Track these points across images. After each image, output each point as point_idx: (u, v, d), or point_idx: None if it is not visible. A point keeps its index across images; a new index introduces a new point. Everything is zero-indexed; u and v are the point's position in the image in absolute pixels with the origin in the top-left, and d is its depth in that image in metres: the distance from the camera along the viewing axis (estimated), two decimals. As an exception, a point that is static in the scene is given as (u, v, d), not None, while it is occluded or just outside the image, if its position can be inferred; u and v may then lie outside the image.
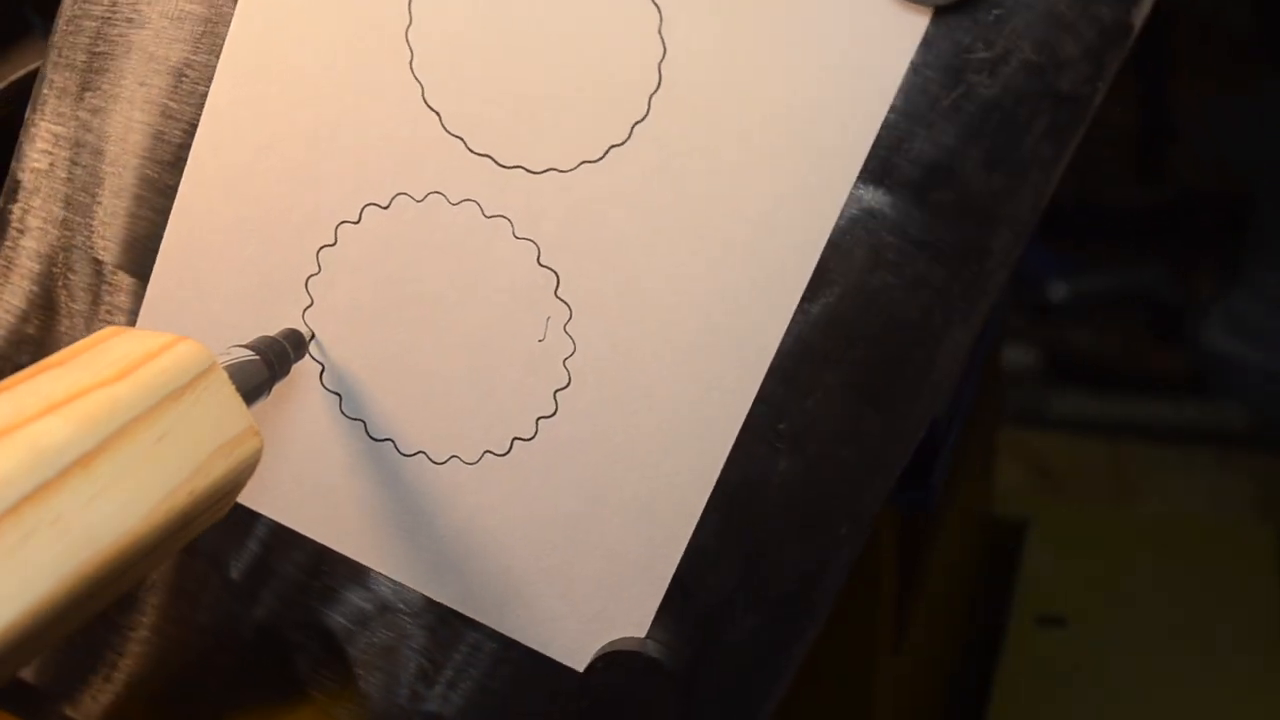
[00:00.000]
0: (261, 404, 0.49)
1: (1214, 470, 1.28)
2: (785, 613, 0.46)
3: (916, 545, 0.74)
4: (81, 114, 0.50)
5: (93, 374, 0.36)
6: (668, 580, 0.47)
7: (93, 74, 0.50)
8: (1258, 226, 1.54)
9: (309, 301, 0.49)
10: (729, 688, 0.47)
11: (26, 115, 0.51)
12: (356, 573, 0.50)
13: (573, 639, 0.48)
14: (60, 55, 0.50)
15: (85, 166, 0.50)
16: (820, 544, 0.45)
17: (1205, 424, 1.38)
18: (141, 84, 0.49)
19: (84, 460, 0.34)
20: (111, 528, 0.34)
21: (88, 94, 0.50)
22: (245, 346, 0.45)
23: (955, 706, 0.94)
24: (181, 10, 0.49)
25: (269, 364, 0.45)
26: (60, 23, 0.50)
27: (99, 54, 0.50)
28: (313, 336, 0.49)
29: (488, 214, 0.47)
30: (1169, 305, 1.57)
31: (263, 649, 0.52)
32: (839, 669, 0.67)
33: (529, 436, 0.48)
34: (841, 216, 0.43)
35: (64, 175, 0.51)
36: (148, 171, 0.50)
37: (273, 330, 0.48)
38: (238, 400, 0.40)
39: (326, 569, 0.50)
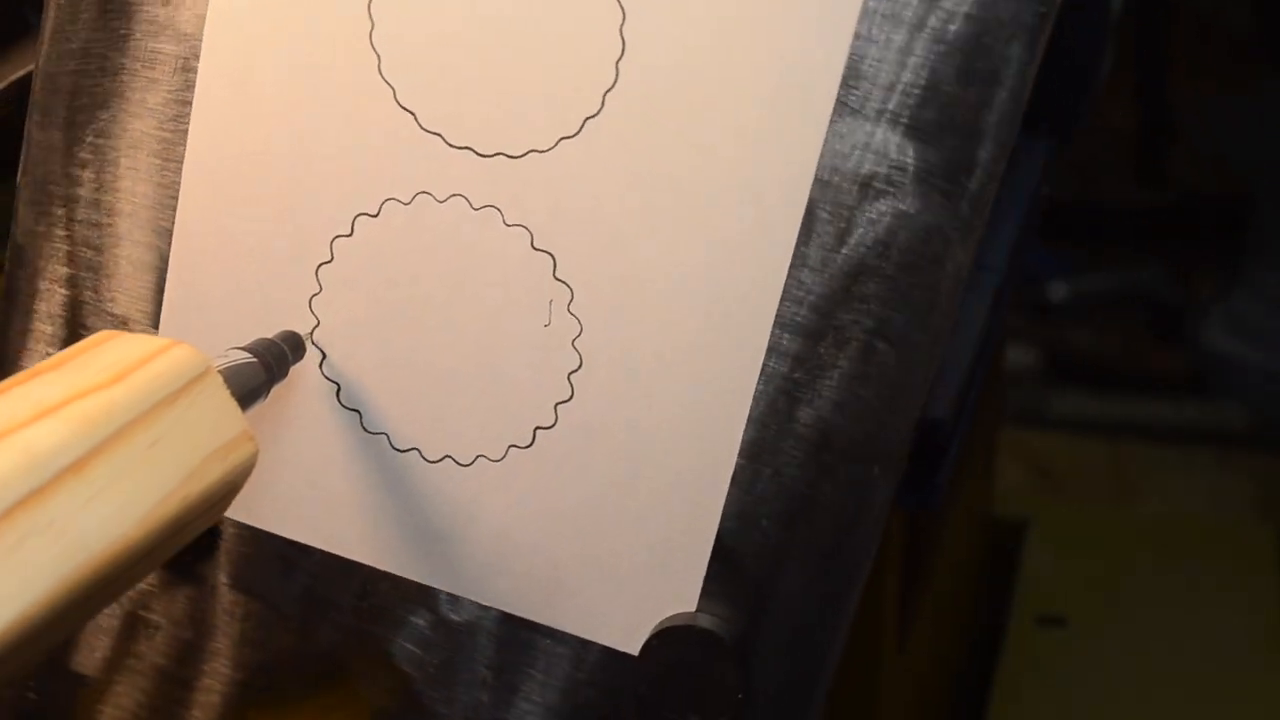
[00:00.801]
0: (279, 426, 0.49)
1: (1214, 470, 1.28)
2: (830, 565, 0.46)
3: (921, 544, 0.74)
4: (72, 170, 0.50)
5: (87, 378, 0.36)
6: (709, 549, 0.47)
7: (76, 128, 0.50)
8: (1257, 226, 1.54)
9: (315, 322, 0.49)
10: (785, 650, 0.47)
11: (18, 179, 0.51)
12: (406, 589, 0.50)
13: (625, 623, 0.48)
14: (42, 114, 0.50)
15: (82, 221, 0.50)
16: (854, 489, 0.45)
17: (1205, 424, 1.38)
18: (125, 130, 0.49)
19: (78, 465, 0.34)
20: (106, 533, 0.33)
21: (75, 148, 0.50)
22: (242, 349, 0.45)
23: (956, 705, 0.94)
24: (152, 51, 0.49)
25: (266, 366, 0.44)
26: (37, 82, 0.50)
27: (79, 107, 0.50)
28: (324, 358, 0.49)
29: (476, 206, 0.47)
30: (1169, 305, 1.57)
31: (327, 681, 0.52)
32: (844, 666, 0.67)
33: (550, 424, 0.47)
34: (824, 154, 0.43)
35: (63, 233, 0.50)
36: (143, 214, 0.50)
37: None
38: (233, 405, 0.40)
39: (373, 590, 0.50)
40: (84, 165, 0.50)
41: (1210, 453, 1.31)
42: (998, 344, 0.88)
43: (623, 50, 0.44)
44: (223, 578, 0.52)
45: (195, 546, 0.51)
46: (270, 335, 0.47)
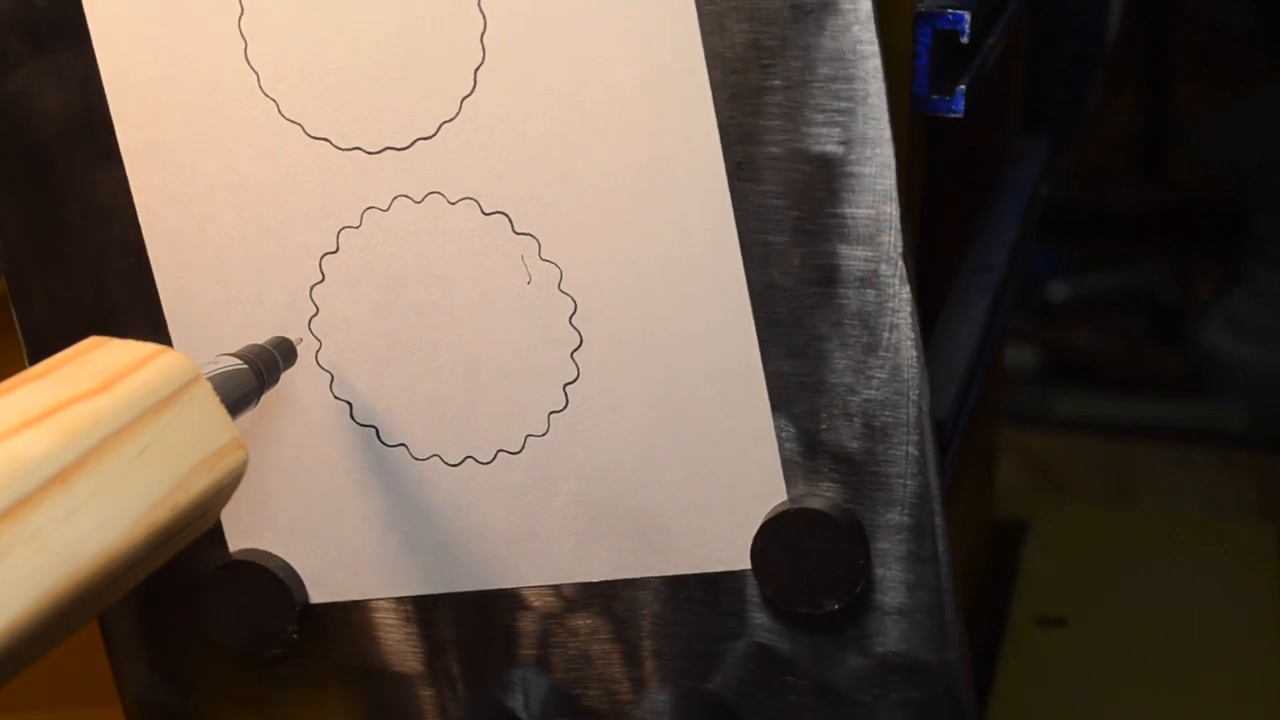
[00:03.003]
0: (339, 493, 0.49)
1: (1214, 470, 1.28)
2: (892, 399, 0.46)
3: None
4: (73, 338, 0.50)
5: (73, 386, 0.36)
6: (773, 433, 0.46)
7: (59, 305, 0.50)
8: (1257, 227, 1.54)
9: (329, 377, 0.49)
10: (889, 500, 0.46)
11: (27, 363, 0.51)
12: (509, 599, 0.50)
13: (732, 542, 0.48)
14: (23, 301, 0.50)
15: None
16: (874, 311, 0.45)
17: (1205, 424, 1.38)
18: (102, 270, 0.49)
19: (63, 475, 0.33)
20: (90, 544, 0.33)
21: (66, 320, 0.50)
22: (232, 355, 0.44)
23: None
24: (89, 186, 0.49)
25: (257, 373, 0.44)
26: (7, 273, 0.50)
27: (49, 276, 0.50)
28: (352, 407, 0.49)
29: (419, 199, 0.47)
30: (1169, 306, 1.56)
31: (482, 716, 0.52)
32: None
33: (574, 378, 0.47)
34: (705, 34, 0.43)
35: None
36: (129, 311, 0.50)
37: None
38: (222, 412, 0.39)
39: (479, 611, 0.50)
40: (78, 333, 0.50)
41: (1210, 453, 1.30)
42: (998, 344, 0.88)
43: None
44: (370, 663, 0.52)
45: (335, 641, 0.52)
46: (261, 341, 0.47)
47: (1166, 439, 1.33)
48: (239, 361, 0.44)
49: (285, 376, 0.48)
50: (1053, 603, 0.96)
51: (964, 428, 0.56)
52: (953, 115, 0.48)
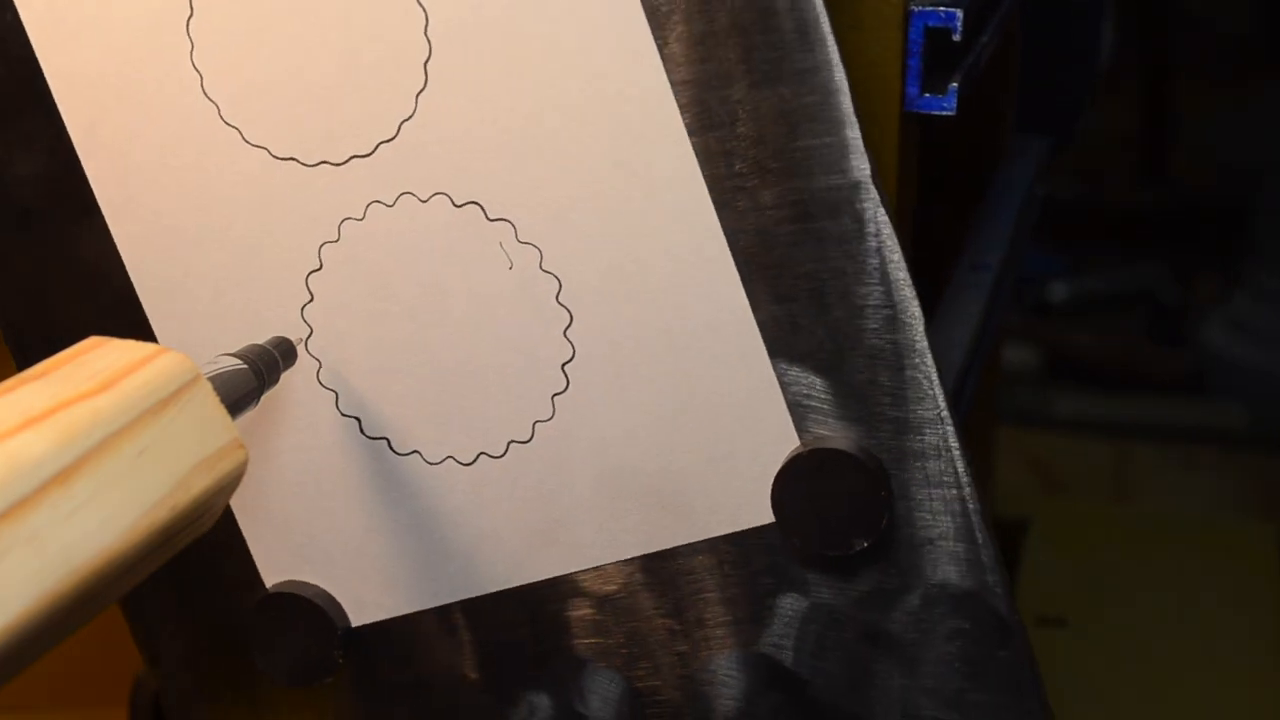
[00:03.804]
0: (373, 514, 0.50)
1: (1214, 470, 1.28)
2: (884, 322, 0.45)
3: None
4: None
5: (73, 386, 0.36)
6: (773, 377, 0.46)
7: (59, 346, 0.50)
8: (1258, 227, 1.54)
9: (334, 395, 0.49)
10: (900, 425, 0.46)
11: None
12: (549, 590, 0.50)
13: (750, 497, 0.47)
14: (23, 356, 0.50)
15: None
16: (850, 234, 0.45)
17: (1205, 424, 1.38)
18: (93, 307, 0.50)
19: (62, 476, 0.33)
20: (89, 545, 0.33)
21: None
22: (232, 355, 0.44)
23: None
24: (71, 240, 0.49)
25: (257, 373, 0.44)
26: (4, 331, 0.51)
27: (51, 328, 0.50)
28: (360, 421, 0.49)
29: (391, 203, 0.47)
30: (1169, 306, 1.56)
31: (540, 714, 0.52)
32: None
33: (570, 356, 0.47)
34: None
35: None
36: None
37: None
38: (222, 412, 0.39)
39: (521, 607, 0.50)
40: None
41: (1210, 453, 1.31)
42: (993, 342, 0.88)
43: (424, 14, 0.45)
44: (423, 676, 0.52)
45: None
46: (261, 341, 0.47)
47: (1166, 439, 1.33)
48: (239, 361, 0.44)
49: (291, 401, 0.48)
50: (1053, 603, 0.96)
51: (960, 424, 0.56)
52: (945, 114, 0.48)
